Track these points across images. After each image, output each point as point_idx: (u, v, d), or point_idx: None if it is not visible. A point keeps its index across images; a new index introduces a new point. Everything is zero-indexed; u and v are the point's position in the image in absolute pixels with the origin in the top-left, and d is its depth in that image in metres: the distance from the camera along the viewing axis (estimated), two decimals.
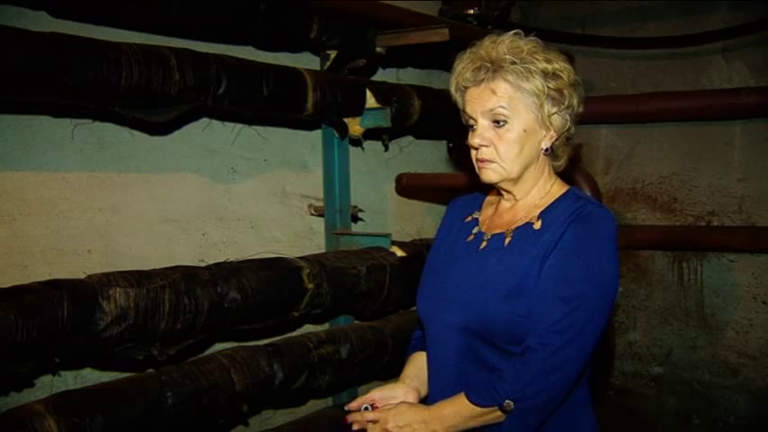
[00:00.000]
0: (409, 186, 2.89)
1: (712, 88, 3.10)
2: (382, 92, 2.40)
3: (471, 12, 2.73)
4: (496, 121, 1.30)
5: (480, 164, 1.34)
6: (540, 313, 1.26)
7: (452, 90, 1.37)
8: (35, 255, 1.81)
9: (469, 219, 1.49)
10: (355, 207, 2.61)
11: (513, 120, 1.30)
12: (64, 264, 1.85)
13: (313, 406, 2.48)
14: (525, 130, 1.31)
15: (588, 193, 2.47)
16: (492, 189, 1.47)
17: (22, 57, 1.48)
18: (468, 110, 1.33)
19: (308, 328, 2.46)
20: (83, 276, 1.67)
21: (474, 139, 1.33)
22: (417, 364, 1.52)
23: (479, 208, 1.51)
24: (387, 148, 2.82)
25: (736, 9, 3.03)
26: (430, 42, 2.35)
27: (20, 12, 1.70)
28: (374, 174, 2.84)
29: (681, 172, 3.22)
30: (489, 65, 1.29)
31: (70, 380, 1.85)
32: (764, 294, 3.06)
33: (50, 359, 1.61)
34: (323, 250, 2.52)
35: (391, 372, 2.70)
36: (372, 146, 2.78)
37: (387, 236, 2.46)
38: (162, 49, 1.78)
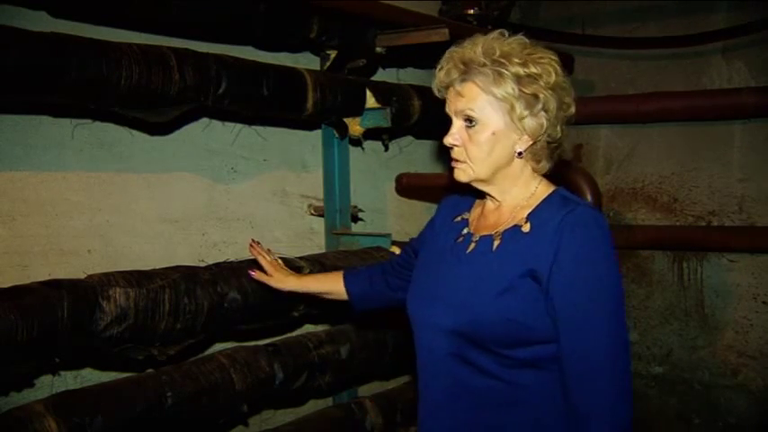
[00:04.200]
0: (409, 186, 2.89)
1: (712, 88, 3.10)
2: (382, 92, 2.40)
3: (471, 12, 2.73)
4: (468, 122, 1.31)
5: (453, 162, 1.37)
6: (569, 351, 1.26)
7: (434, 89, 1.39)
8: (35, 255, 1.81)
9: (459, 219, 1.49)
10: (355, 207, 2.61)
11: (481, 122, 1.30)
12: (64, 264, 1.85)
13: (313, 406, 2.48)
14: (494, 133, 1.30)
15: (588, 194, 2.48)
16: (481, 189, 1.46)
17: (22, 57, 1.48)
18: (446, 108, 1.36)
19: (308, 328, 2.46)
20: (83, 276, 1.67)
21: (447, 138, 1.35)
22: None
23: (469, 208, 1.50)
24: (387, 148, 2.82)
25: (736, 9, 3.02)
26: (430, 42, 2.35)
27: (20, 12, 1.70)
28: (374, 174, 2.84)
29: (681, 172, 3.21)
30: (462, 66, 1.29)
31: (70, 380, 1.85)
32: (764, 294, 3.06)
33: (50, 359, 1.60)
34: (323, 250, 2.52)
35: (391, 372, 2.71)
36: (372, 146, 2.78)
37: (387, 236, 2.46)
38: (162, 49, 1.78)
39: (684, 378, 3.25)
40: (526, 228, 1.32)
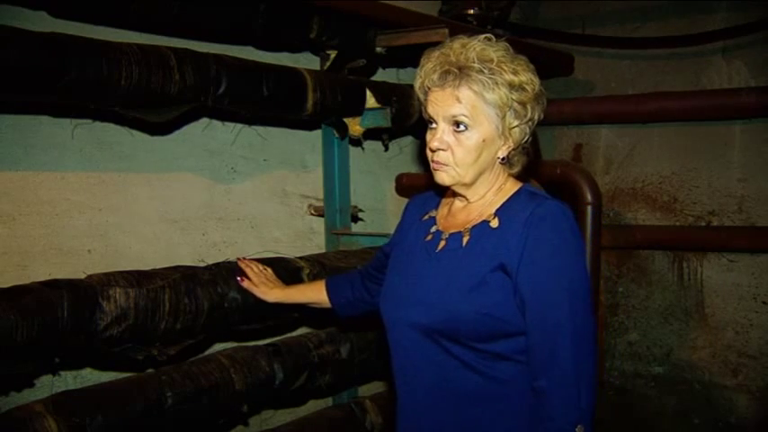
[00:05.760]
0: (409, 186, 2.89)
1: (712, 88, 3.10)
2: (382, 92, 2.40)
3: (471, 12, 2.73)
4: (456, 126, 1.31)
5: (436, 165, 1.35)
6: (535, 339, 1.28)
7: (416, 88, 1.37)
8: (35, 255, 1.81)
9: (427, 217, 1.50)
10: (355, 207, 2.61)
11: (473, 128, 1.30)
12: (64, 264, 1.85)
13: (313, 406, 2.48)
14: (484, 140, 1.31)
15: (588, 194, 2.48)
16: (448, 188, 1.47)
17: (22, 57, 1.48)
18: (430, 110, 1.34)
19: (308, 328, 2.46)
20: (83, 276, 1.67)
21: (432, 142, 1.34)
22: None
23: (436, 206, 1.51)
24: (387, 148, 2.82)
25: (736, 9, 3.03)
26: (430, 42, 2.34)
27: (20, 12, 1.70)
28: (374, 174, 2.84)
29: (681, 172, 3.22)
30: (457, 71, 1.28)
31: (70, 380, 1.85)
32: (764, 294, 3.06)
33: (50, 359, 1.61)
34: (323, 250, 2.52)
35: (391, 372, 2.70)
36: (372, 146, 2.78)
37: (387, 236, 2.46)
38: (162, 49, 1.78)
39: (684, 378, 3.25)
40: (494, 223, 1.34)
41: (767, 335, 3.06)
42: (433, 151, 1.35)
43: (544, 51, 3.09)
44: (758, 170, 3.03)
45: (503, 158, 1.36)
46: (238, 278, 1.87)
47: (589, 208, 2.50)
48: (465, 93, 1.29)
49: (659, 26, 3.21)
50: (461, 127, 1.30)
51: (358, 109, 2.36)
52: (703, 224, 3.16)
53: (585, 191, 2.49)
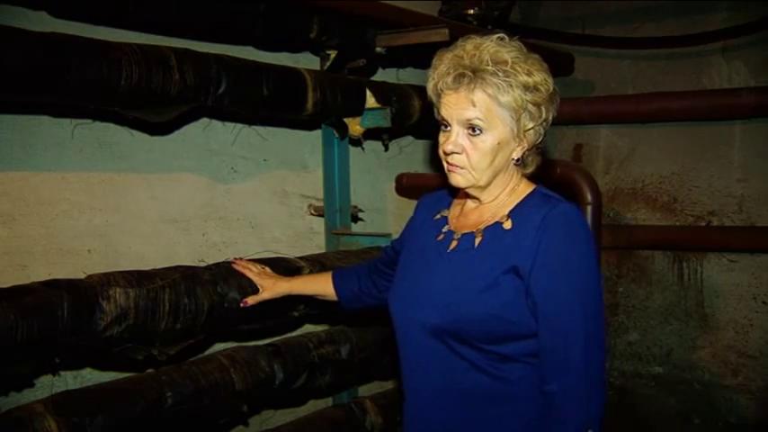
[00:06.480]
0: (409, 186, 2.89)
1: (712, 88, 3.10)
2: (382, 92, 2.40)
3: (471, 12, 2.73)
4: (471, 130, 1.30)
5: (450, 167, 1.35)
6: (546, 343, 1.28)
7: (429, 90, 1.36)
8: (35, 255, 1.81)
9: (438, 216, 1.50)
10: (355, 207, 2.61)
11: (488, 131, 1.29)
12: (64, 264, 1.85)
13: (313, 406, 2.48)
14: (499, 143, 1.31)
15: (588, 194, 2.48)
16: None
17: (22, 57, 1.48)
18: (444, 113, 1.33)
19: (308, 328, 2.46)
20: (83, 276, 1.67)
21: (447, 145, 1.33)
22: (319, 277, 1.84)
23: (448, 206, 1.51)
24: (387, 148, 2.82)
25: (736, 9, 3.03)
26: (430, 42, 2.35)
27: (20, 12, 1.70)
28: (374, 174, 2.84)
29: (681, 172, 3.22)
30: (471, 74, 1.27)
31: (70, 380, 1.85)
32: (764, 294, 3.06)
33: (50, 359, 1.61)
34: (323, 250, 2.52)
35: (391, 372, 2.71)
36: (372, 146, 2.78)
37: (387, 236, 2.46)
38: (162, 49, 1.78)
39: (684, 378, 3.25)
40: (507, 225, 1.34)
41: (767, 335, 3.06)
42: (447, 154, 1.34)
43: (544, 51, 3.08)
44: (758, 170, 3.03)
45: (517, 160, 1.35)
46: (242, 303, 1.82)
47: (589, 208, 2.50)
48: (480, 96, 1.28)
49: (659, 26, 3.21)
50: (476, 131, 1.29)
51: (358, 109, 2.36)
52: (703, 224, 3.16)
53: (585, 191, 2.49)
